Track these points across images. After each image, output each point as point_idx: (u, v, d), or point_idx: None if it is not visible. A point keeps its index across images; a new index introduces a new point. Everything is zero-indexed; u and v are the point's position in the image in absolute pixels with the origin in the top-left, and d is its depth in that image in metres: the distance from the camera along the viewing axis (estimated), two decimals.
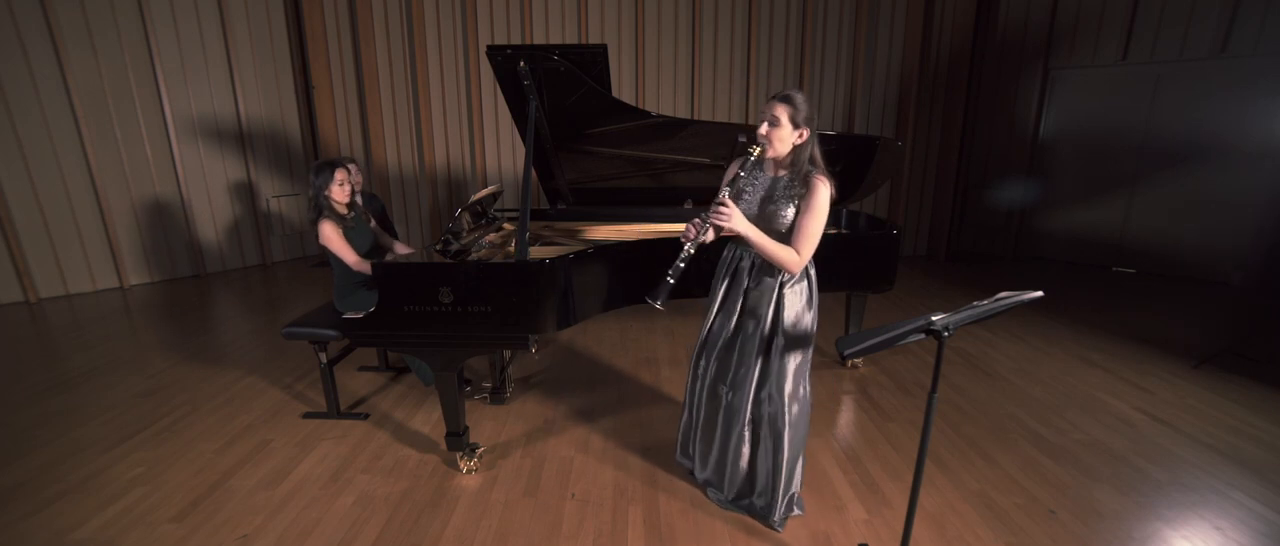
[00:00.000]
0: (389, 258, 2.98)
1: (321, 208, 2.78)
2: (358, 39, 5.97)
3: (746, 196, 1.96)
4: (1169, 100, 5.36)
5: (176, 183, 5.48)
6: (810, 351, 2.01)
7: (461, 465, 2.43)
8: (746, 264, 2.02)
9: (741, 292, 2.02)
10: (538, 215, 3.57)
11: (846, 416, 2.94)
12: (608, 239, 3.10)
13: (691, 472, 2.36)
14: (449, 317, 2.18)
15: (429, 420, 2.88)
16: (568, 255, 2.32)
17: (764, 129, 1.86)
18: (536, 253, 2.67)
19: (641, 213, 3.61)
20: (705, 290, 2.22)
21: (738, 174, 1.89)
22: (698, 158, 3.33)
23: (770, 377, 1.98)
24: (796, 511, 2.14)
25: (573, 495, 2.30)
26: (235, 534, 2.08)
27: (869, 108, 6.30)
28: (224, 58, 5.60)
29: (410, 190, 6.43)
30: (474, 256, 2.61)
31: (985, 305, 1.47)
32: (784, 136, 1.85)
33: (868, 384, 3.30)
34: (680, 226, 3.40)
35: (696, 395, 2.21)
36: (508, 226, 3.39)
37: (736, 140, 3.18)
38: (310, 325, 2.76)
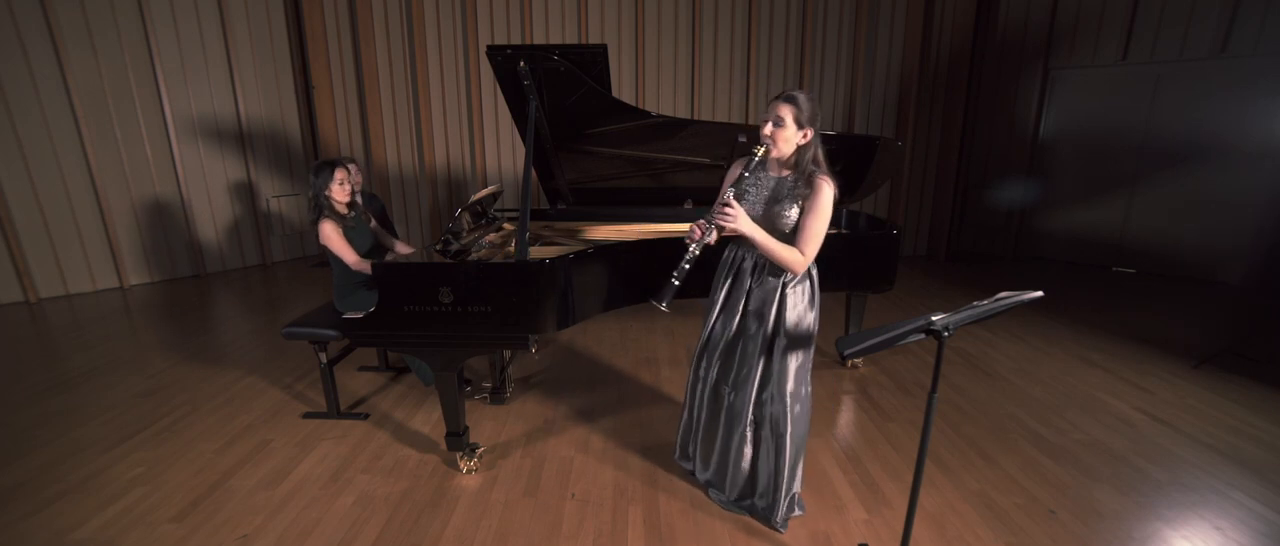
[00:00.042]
0: (389, 257, 2.98)
1: (321, 207, 2.78)
2: (358, 39, 5.97)
3: (750, 197, 1.95)
4: (1169, 100, 5.36)
5: (176, 183, 5.48)
6: (812, 351, 2.02)
7: (461, 465, 2.43)
8: (749, 264, 2.02)
9: (744, 293, 2.02)
10: (538, 215, 3.57)
11: (846, 416, 2.94)
12: (608, 239, 3.10)
13: (691, 473, 2.36)
14: (449, 318, 2.18)
15: (429, 420, 2.88)
16: (568, 255, 2.32)
17: (768, 129, 1.85)
18: (536, 252, 2.67)
19: (641, 213, 3.61)
20: (705, 291, 2.22)
21: (742, 174, 1.89)
22: (698, 158, 3.33)
23: (772, 378, 1.98)
24: (797, 511, 2.14)
25: (573, 495, 2.30)
26: (235, 534, 2.08)
27: (869, 108, 6.30)
28: (224, 58, 5.60)
29: (410, 190, 6.43)
30: (474, 256, 2.61)
31: (985, 305, 1.47)
32: (788, 137, 1.84)
33: (868, 384, 3.30)
34: (680, 226, 3.42)
35: (698, 396, 2.21)
36: (508, 226, 3.39)
37: (737, 140, 3.18)
38: (310, 325, 2.76)
